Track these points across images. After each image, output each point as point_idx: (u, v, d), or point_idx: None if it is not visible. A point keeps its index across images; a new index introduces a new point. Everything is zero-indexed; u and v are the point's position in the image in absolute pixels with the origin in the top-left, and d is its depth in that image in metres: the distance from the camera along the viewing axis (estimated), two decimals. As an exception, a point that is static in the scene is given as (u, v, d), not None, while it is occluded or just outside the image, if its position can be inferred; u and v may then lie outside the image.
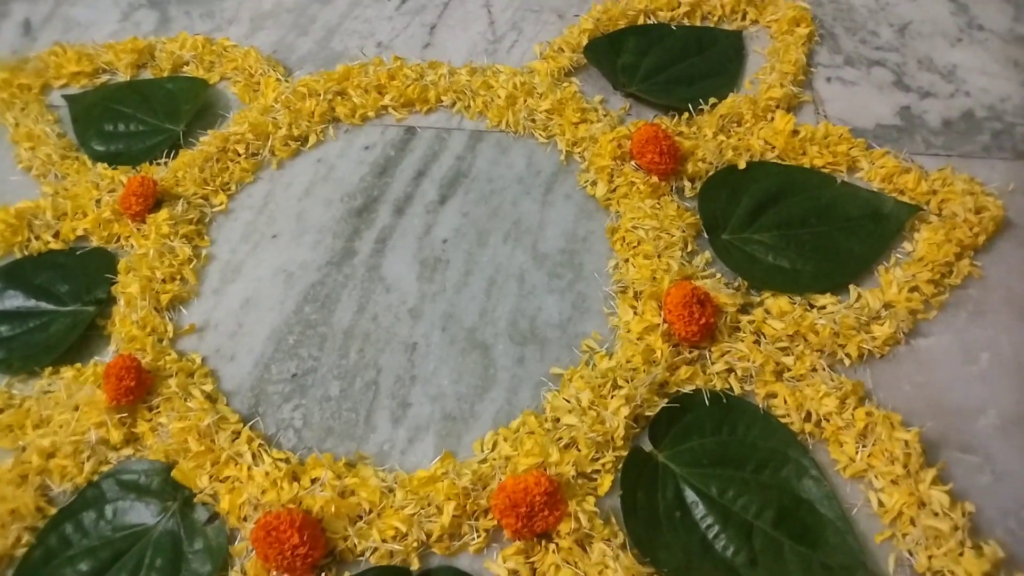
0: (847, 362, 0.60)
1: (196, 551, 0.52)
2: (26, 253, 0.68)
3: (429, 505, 0.53)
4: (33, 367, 0.61)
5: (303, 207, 0.71)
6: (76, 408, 0.57)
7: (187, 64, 0.82)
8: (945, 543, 0.50)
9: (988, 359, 0.60)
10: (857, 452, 0.55)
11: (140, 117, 0.77)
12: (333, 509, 0.52)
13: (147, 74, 0.82)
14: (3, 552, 0.53)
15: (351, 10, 0.88)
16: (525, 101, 0.76)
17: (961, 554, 0.50)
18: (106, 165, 0.73)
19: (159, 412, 0.58)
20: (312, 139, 0.75)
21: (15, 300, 0.65)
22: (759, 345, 0.60)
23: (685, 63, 0.80)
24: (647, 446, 0.56)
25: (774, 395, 0.58)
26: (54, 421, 0.57)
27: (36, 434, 0.57)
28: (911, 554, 0.51)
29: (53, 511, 0.54)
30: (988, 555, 0.50)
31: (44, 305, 0.65)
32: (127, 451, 0.57)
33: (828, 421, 0.56)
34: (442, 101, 0.78)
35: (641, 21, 0.84)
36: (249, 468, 0.54)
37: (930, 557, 0.51)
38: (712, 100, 0.75)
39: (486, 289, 0.65)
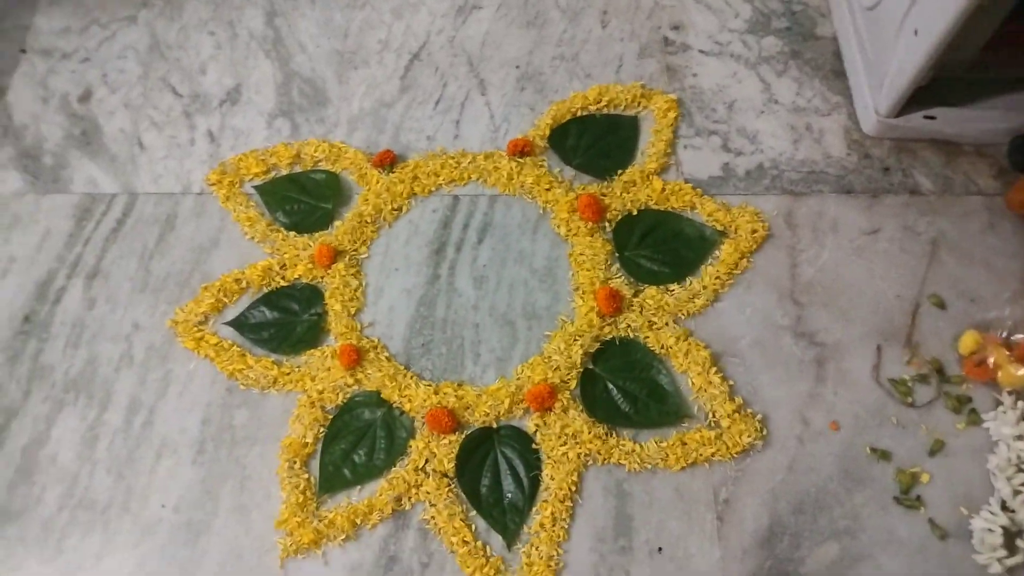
0: (683, 318, 1.27)
1: (398, 431, 1.20)
2: (268, 289, 1.31)
3: (497, 400, 1.21)
4: (292, 352, 1.25)
5: (407, 251, 1.34)
6: (328, 369, 1.23)
7: (320, 161, 1.40)
8: (718, 398, 1.20)
9: (750, 312, 1.28)
10: (683, 361, 1.23)
11: (303, 200, 1.36)
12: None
13: (298, 168, 1.41)
14: (310, 438, 1.19)
15: (406, 111, 1.46)
16: (519, 175, 1.37)
17: (722, 401, 1.20)
18: (295, 233, 1.34)
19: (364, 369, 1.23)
20: (404, 208, 1.36)
21: (272, 314, 1.28)
22: (642, 313, 1.27)
23: (604, 142, 1.41)
24: (591, 366, 1.24)
25: (648, 336, 1.26)
26: (318, 377, 1.23)
27: (312, 383, 1.22)
28: (706, 406, 1.21)
29: (327, 418, 1.21)
30: (737, 401, 1.20)
31: (287, 317, 1.28)
32: (355, 387, 1.23)
33: (672, 347, 1.24)
34: (471, 178, 1.39)
35: (579, 114, 1.44)
36: (411, 386, 1.21)
37: (712, 408, 1.20)
38: (620, 170, 1.38)
39: (508, 291, 1.30)
